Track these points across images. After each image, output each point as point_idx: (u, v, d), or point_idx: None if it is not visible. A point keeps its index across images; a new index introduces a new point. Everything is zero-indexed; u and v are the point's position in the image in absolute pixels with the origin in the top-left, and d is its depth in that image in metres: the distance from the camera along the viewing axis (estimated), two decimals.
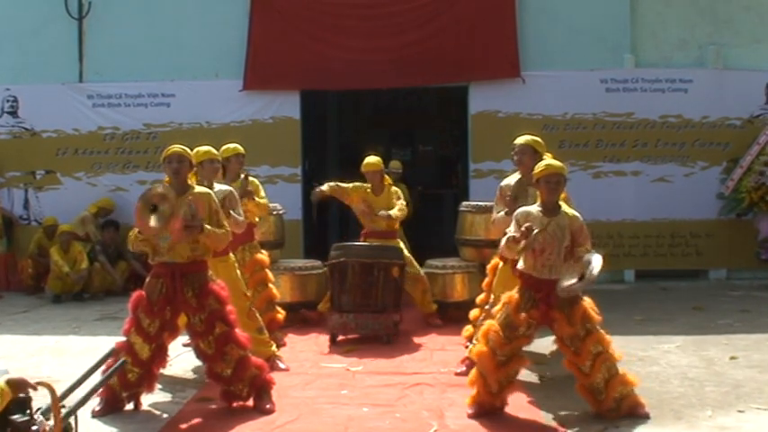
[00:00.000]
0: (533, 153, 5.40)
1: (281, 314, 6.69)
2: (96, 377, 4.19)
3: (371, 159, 7.47)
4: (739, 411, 4.63)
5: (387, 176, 7.63)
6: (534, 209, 4.67)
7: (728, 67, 9.53)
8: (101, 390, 4.72)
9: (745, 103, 9.48)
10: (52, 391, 2.77)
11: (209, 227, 4.70)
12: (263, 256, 6.60)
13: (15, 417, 2.68)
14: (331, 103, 12.80)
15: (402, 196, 7.54)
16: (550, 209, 4.63)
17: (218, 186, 5.73)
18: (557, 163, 4.72)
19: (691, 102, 9.48)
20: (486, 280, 6.18)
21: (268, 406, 4.82)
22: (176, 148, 4.85)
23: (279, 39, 9.64)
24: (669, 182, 9.54)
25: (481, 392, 4.66)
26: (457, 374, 5.60)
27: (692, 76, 9.51)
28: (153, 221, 4.58)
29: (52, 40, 9.98)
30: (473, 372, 4.74)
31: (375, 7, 9.75)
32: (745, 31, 9.63)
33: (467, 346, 6.30)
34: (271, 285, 6.62)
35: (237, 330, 4.80)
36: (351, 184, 7.49)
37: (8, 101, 10.03)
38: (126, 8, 9.96)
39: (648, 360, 5.83)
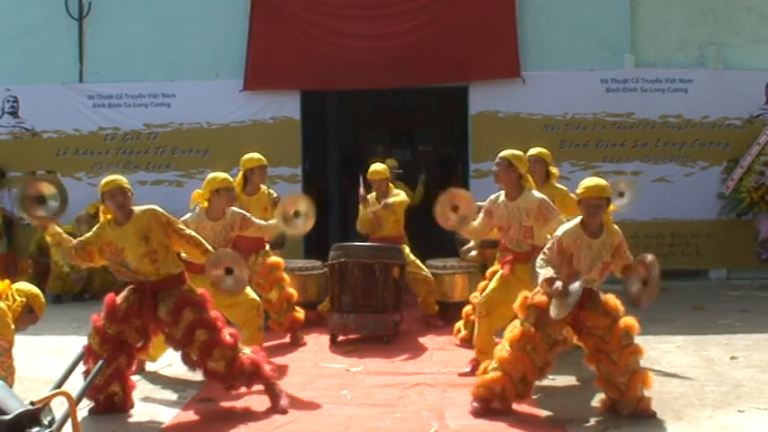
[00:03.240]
0: (508, 167, 5.41)
1: (300, 313, 6.74)
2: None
3: (379, 167, 7.49)
4: (739, 411, 4.64)
5: (391, 184, 7.62)
6: (577, 230, 4.53)
7: (728, 67, 9.54)
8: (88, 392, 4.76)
9: (745, 103, 9.48)
10: (70, 399, 2.76)
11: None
12: (277, 259, 6.65)
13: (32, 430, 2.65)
14: (331, 103, 12.79)
15: (402, 192, 7.56)
16: (594, 230, 4.53)
17: (231, 210, 5.70)
18: (600, 183, 4.56)
19: (691, 102, 9.48)
20: (484, 284, 6.19)
21: (283, 402, 4.80)
22: (115, 180, 4.71)
23: (279, 39, 9.64)
24: (669, 182, 9.55)
25: (506, 392, 4.60)
26: (461, 375, 5.58)
27: (692, 76, 9.51)
28: (42, 211, 4.72)
29: (52, 40, 9.98)
30: (494, 374, 4.64)
31: (375, 7, 9.75)
32: (745, 31, 9.63)
33: (458, 345, 6.36)
34: (288, 286, 6.66)
35: (225, 330, 4.75)
36: (361, 211, 7.51)
37: (8, 101, 10.03)
38: (126, 8, 9.96)
39: (648, 360, 5.78)
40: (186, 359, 4.80)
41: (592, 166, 9.45)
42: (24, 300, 4.42)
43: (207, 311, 4.73)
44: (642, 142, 9.54)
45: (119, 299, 4.73)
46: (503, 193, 5.48)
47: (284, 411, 4.75)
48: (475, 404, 4.68)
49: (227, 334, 4.74)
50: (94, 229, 4.76)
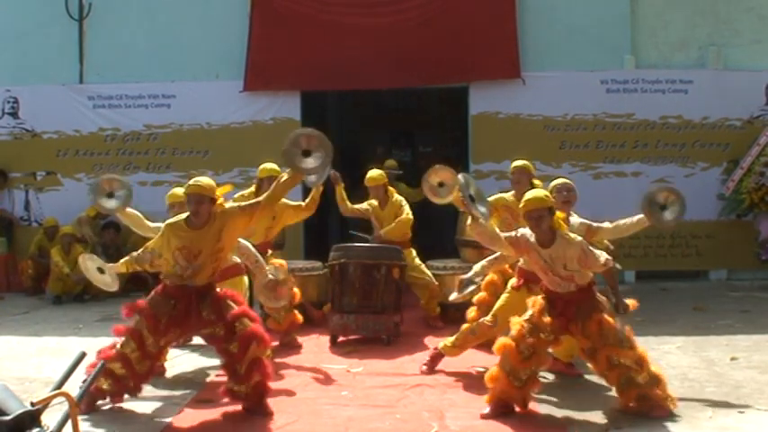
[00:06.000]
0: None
1: (299, 317, 6.72)
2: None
3: (374, 174, 7.50)
4: (740, 412, 4.63)
5: (391, 188, 7.60)
6: (532, 238, 4.62)
7: (728, 68, 9.54)
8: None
9: (745, 104, 9.49)
10: (71, 400, 2.76)
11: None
12: (280, 260, 6.65)
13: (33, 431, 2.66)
14: (331, 103, 12.79)
15: (406, 206, 7.50)
16: (543, 240, 4.56)
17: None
18: (539, 195, 4.62)
19: (691, 102, 9.49)
20: (486, 280, 6.18)
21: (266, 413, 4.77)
22: (191, 185, 4.77)
23: (279, 39, 9.65)
24: (669, 182, 9.48)
25: (504, 389, 4.62)
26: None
27: (692, 77, 9.52)
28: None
29: (52, 40, 9.99)
30: (493, 370, 4.68)
31: (375, 7, 9.76)
32: (745, 32, 9.64)
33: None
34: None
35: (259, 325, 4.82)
36: (364, 206, 7.48)
37: (8, 102, 10.05)
38: (126, 9, 9.98)
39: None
40: (222, 354, 4.79)
41: (592, 166, 9.47)
42: None
43: (242, 302, 4.84)
44: (642, 143, 9.55)
45: (153, 309, 4.73)
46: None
47: (268, 415, 4.73)
48: (485, 411, 4.68)
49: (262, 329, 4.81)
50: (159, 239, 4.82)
